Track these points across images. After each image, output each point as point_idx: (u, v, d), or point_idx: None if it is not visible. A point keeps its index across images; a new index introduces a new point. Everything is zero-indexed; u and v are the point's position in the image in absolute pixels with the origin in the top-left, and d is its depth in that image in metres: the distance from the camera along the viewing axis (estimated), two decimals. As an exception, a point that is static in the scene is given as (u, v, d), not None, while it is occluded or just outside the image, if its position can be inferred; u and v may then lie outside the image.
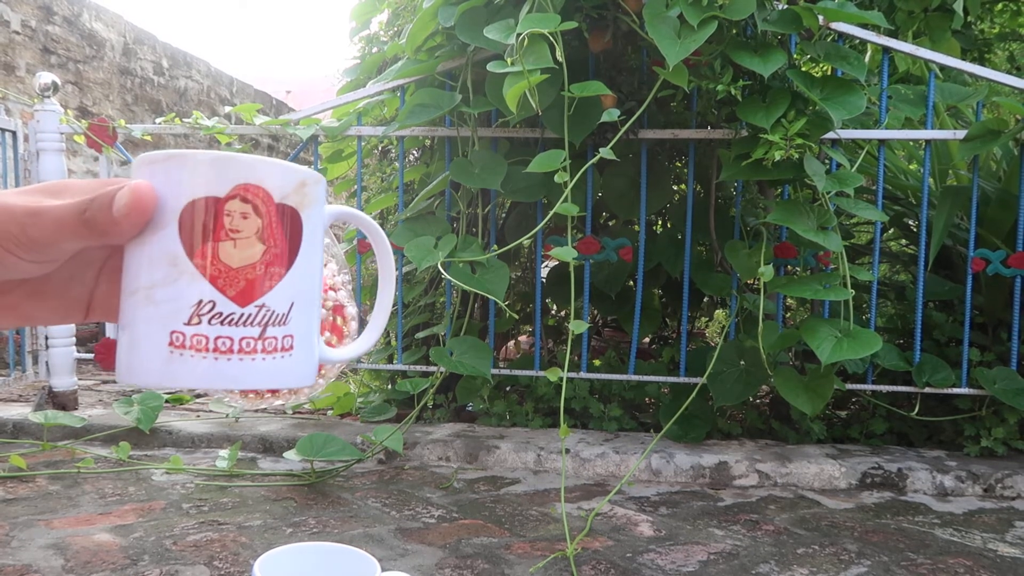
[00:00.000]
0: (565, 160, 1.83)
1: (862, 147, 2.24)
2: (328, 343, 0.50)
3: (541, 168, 1.87)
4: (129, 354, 0.37)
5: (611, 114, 1.84)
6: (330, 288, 0.52)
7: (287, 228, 0.38)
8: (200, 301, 0.36)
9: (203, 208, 0.36)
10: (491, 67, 1.91)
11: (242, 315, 0.36)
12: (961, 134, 2.16)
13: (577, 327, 1.70)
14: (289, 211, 0.37)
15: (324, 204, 0.40)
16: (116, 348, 0.38)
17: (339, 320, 0.51)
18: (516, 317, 2.58)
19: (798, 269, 2.29)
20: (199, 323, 0.36)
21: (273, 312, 0.37)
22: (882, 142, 2.23)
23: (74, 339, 2.60)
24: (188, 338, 0.36)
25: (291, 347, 0.38)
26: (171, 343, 0.36)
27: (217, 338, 0.36)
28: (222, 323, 0.36)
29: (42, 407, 2.49)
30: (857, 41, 2.44)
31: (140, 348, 0.37)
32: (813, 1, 2.10)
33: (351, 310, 0.52)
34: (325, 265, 0.56)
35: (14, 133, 2.66)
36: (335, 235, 0.61)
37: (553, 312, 3.09)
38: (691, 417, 2.23)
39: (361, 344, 0.45)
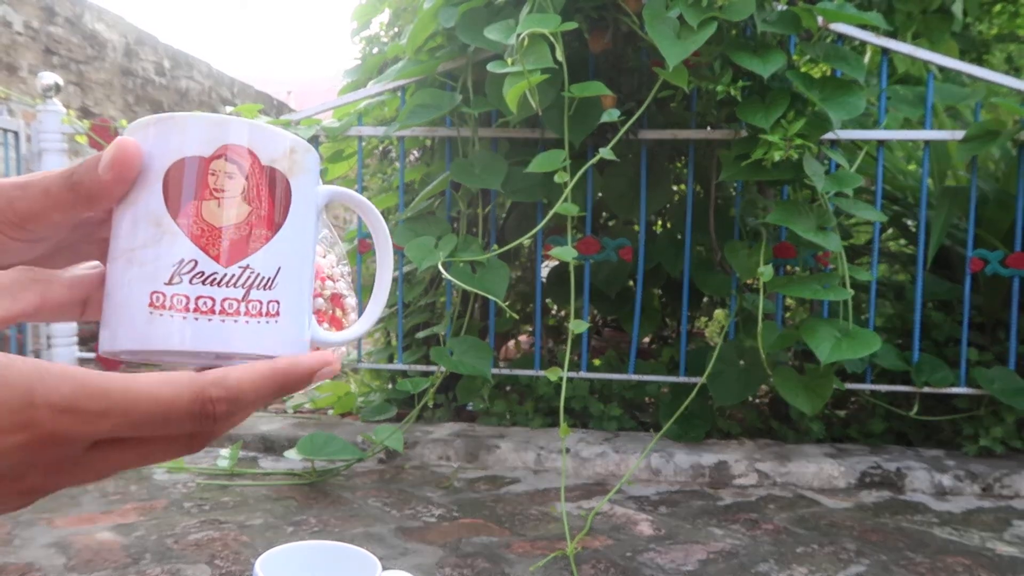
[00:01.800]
0: (565, 160, 1.84)
1: (861, 148, 2.25)
2: None
3: (541, 168, 1.87)
4: (110, 320, 0.36)
5: (611, 114, 1.85)
6: (328, 278, 0.52)
7: (275, 192, 0.37)
8: (181, 260, 0.35)
9: (188, 167, 0.35)
10: (491, 67, 1.92)
11: (225, 275, 0.35)
12: (960, 135, 2.16)
13: (577, 327, 1.70)
14: (278, 175, 0.37)
15: (316, 176, 0.40)
16: (100, 320, 0.37)
17: (338, 312, 0.51)
18: (516, 317, 2.58)
19: (797, 269, 2.29)
20: (180, 282, 0.35)
21: (258, 275, 0.36)
22: (881, 143, 2.24)
23: (76, 338, 2.61)
24: (168, 298, 0.35)
25: (277, 313, 0.37)
26: (151, 304, 0.35)
27: (198, 298, 0.35)
28: (204, 283, 0.35)
29: (44, 406, 2.49)
30: (856, 42, 2.45)
31: (120, 312, 0.36)
32: (812, 2, 2.11)
33: (351, 300, 0.52)
34: (324, 256, 0.56)
35: (16, 133, 2.66)
36: (337, 236, 0.62)
37: (553, 312, 3.09)
38: (691, 417, 2.23)
39: (360, 326, 0.44)
